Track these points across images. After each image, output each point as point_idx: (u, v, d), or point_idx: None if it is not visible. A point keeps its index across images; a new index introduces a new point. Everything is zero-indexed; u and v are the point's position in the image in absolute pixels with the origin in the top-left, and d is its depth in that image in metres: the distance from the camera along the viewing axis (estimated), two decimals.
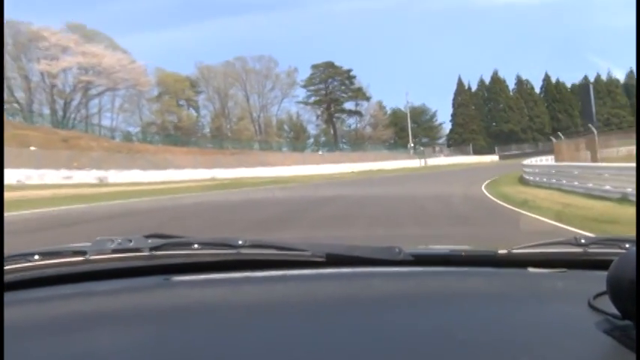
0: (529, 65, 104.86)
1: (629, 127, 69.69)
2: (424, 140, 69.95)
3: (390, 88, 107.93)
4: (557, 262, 1.18)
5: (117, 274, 1.11)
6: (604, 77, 73.99)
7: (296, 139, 65.03)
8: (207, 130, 61.40)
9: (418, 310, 0.92)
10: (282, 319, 0.88)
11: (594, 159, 18.70)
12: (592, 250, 1.23)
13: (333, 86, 66.87)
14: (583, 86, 42.63)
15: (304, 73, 66.02)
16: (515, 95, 68.70)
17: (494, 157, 62.00)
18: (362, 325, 0.86)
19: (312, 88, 66.37)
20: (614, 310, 0.77)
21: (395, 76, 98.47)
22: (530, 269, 1.16)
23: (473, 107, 67.87)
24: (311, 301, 0.97)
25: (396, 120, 68.60)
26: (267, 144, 58.49)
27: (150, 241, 1.21)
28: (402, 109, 68.93)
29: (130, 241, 1.19)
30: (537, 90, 70.97)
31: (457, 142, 66.69)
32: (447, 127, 70.15)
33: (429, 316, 0.90)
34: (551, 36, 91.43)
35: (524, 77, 70.46)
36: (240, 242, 1.20)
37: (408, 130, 64.49)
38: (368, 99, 67.20)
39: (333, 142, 66.54)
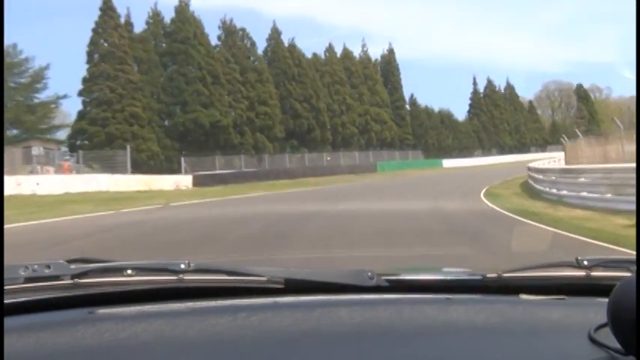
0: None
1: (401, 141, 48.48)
2: (14, 132, 32.96)
3: None
4: (555, 288, 1.15)
5: (31, 307, 1.03)
6: (357, 53, 51.57)
7: None
8: None
9: (393, 345, 0.89)
10: (230, 357, 0.86)
11: None
12: (596, 273, 1.19)
13: None
14: None
15: None
16: (223, 55, 38.97)
17: (183, 180, 30.37)
18: None
19: None
20: (616, 344, 0.76)
21: None
22: (523, 296, 1.13)
23: (135, 65, 34.77)
24: (265, 334, 0.93)
25: None
26: None
27: (73, 266, 1.17)
28: None
29: (49, 267, 1.14)
30: (260, 51, 43.06)
31: (97, 142, 32.29)
32: (76, 107, 35.09)
33: (406, 351, 0.88)
34: None
35: (236, 23, 41.50)
36: (182, 266, 1.15)
37: None
38: None
39: None
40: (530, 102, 73.54)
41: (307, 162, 41.38)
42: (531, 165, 22.72)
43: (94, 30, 34.03)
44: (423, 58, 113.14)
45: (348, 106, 47.18)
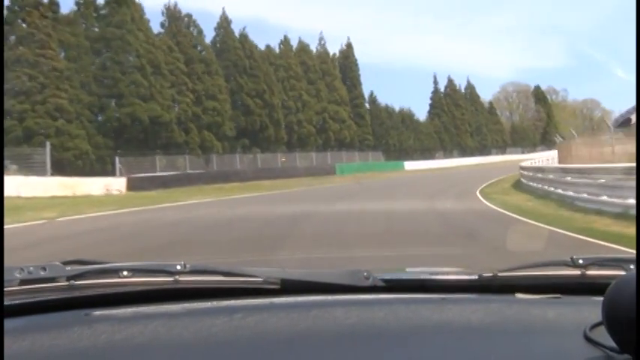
0: None
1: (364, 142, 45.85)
2: None
3: None
4: (550, 287, 1.17)
5: (26, 309, 1.03)
6: (313, 47, 48.32)
7: None
8: None
9: (390, 345, 0.90)
10: (226, 358, 0.87)
11: None
12: (591, 272, 1.20)
13: None
14: None
15: None
16: (165, 42, 34.84)
17: (116, 183, 26.15)
18: None
19: None
20: (612, 343, 0.77)
21: None
22: (518, 295, 1.15)
23: (60, 51, 30.24)
24: (261, 335, 0.94)
25: None
26: None
27: (68, 268, 1.17)
28: None
29: (44, 269, 1.14)
30: (208, 41, 39.07)
31: (12, 138, 27.68)
32: None
33: (401, 351, 0.88)
34: None
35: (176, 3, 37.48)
36: (178, 267, 1.16)
37: None
38: None
39: None
40: (491, 103, 72.31)
41: (260, 163, 37.81)
42: (526, 164, 20.03)
43: (9, 8, 29.34)
44: (379, 61, 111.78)
45: (304, 103, 43.84)
